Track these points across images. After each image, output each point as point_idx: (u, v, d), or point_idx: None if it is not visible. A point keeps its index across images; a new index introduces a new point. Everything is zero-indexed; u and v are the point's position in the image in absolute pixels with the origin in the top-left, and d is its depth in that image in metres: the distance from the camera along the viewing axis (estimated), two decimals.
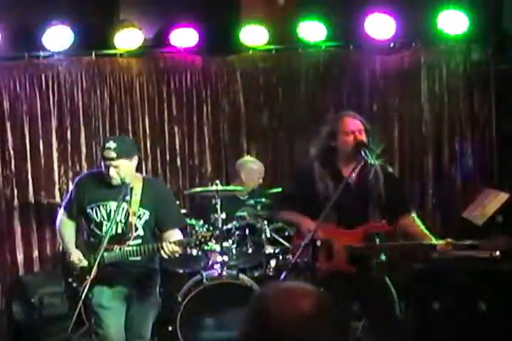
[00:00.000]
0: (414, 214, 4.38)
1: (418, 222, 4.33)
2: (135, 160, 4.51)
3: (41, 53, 6.57)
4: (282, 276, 4.07)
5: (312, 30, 6.77)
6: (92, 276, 4.17)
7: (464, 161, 7.11)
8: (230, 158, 7.00)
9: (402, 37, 6.94)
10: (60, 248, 4.89)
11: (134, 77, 6.83)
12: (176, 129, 6.94)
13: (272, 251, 5.78)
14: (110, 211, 4.47)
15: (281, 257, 5.75)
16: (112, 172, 4.39)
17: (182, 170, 6.97)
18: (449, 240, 4.13)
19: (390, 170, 4.42)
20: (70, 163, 6.71)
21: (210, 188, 5.80)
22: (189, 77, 6.94)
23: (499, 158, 7.13)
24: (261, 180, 6.41)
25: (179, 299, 5.44)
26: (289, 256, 5.58)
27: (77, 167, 6.70)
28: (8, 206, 6.61)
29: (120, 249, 4.42)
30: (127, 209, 4.46)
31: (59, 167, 6.69)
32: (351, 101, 7.02)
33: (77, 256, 4.49)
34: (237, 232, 5.71)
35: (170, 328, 5.38)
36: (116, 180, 4.42)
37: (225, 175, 6.94)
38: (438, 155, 7.17)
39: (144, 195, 4.50)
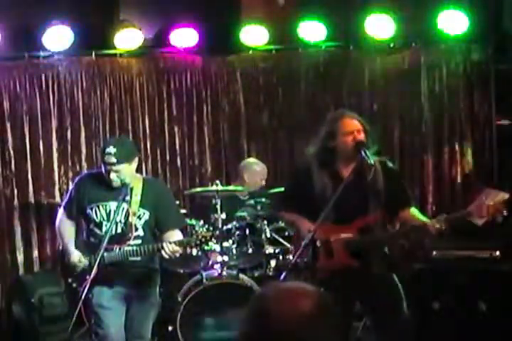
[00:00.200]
0: (414, 208, 4.38)
1: (418, 213, 4.34)
2: (135, 163, 4.52)
3: (41, 53, 6.57)
4: (282, 276, 4.06)
5: (312, 30, 6.77)
6: (92, 276, 4.17)
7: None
8: (230, 158, 7.01)
9: (402, 37, 6.94)
10: (60, 248, 4.89)
11: (134, 77, 6.83)
12: (175, 129, 6.94)
13: (272, 251, 5.78)
14: (110, 211, 4.47)
15: (281, 257, 5.75)
16: (113, 176, 4.40)
17: (182, 170, 6.97)
18: (440, 217, 4.11)
19: (390, 164, 4.41)
20: (70, 163, 6.71)
21: (210, 188, 5.80)
22: (189, 77, 6.94)
23: (499, 158, 7.13)
24: (264, 182, 6.41)
25: (179, 299, 5.44)
26: (289, 256, 5.60)
27: (77, 167, 6.70)
28: (8, 206, 6.62)
29: (120, 249, 4.42)
30: (127, 210, 4.46)
31: (59, 167, 6.70)
32: (351, 101, 7.02)
33: (77, 257, 4.49)
34: (237, 232, 5.71)
35: (170, 328, 5.38)
36: (116, 183, 4.43)
37: (225, 175, 6.94)
38: (438, 155, 7.17)
39: (143, 195, 4.50)
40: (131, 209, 4.45)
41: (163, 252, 4.35)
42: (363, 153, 4.13)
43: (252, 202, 6.09)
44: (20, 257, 6.61)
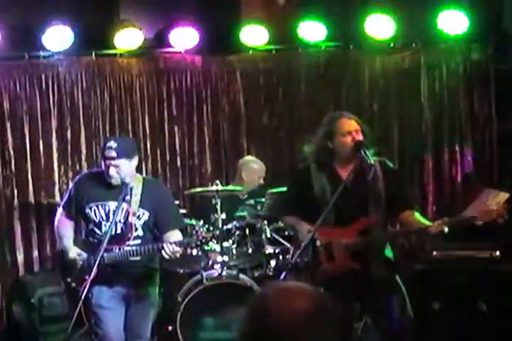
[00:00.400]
0: (415, 210, 4.37)
1: (418, 216, 4.33)
2: (135, 161, 4.51)
3: (41, 53, 6.57)
4: (282, 276, 4.06)
5: (312, 30, 6.77)
6: (92, 277, 4.16)
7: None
8: (230, 158, 7.00)
9: (402, 37, 6.94)
10: (59, 248, 4.89)
11: (134, 77, 6.83)
12: (176, 129, 6.94)
13: (272, 251, 5.78)
14: (109, 211, 4.47)
15: (281, 257, 5.76)
16: (112, 171, 4.39)
17: (182, 170, 6.97)
18: (442, 221, 4.10)
19: (391, 165, 4.40)
20: (70, 163, 6.71)
21: (210, 188, 5.80)
22: (189, 77, 6.94)
23: (499, 158, 7.13)
24: (262, 180, 6.42)
25: (179, 299, 5.44)
26: (289, 256, 5.60)
27: (77, 167, 6.70)
28: (8, 206, 6.62)
29: (120, 249, 4.42)
30: (127, 210, 4.46)
31: (59, 167, 6.70)
32: (351, 101, 7.01)
33: (75, 252, 4.48)
34: (237, 232, 5.71)
35: (170, 328, 5.38)
36: (115, 180, 4.42)
37: (225, 175, 6.93)
38: (438, 155, 7.17)
39: (143, 195, 4.50)
40: (131, 209, 4.45)
41: (163, 253, 4.35)
42: (362, 152, 4.13)
43: (251, 201, 6.09)
44: (20, 257, 6.61)
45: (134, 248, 4.41)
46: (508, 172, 6.97)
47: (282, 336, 1.68)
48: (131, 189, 4.46)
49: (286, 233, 5.84)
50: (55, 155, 6.68)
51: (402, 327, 4.27)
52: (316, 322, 1.69)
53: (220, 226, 5.59)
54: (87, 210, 4.51)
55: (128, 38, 6.54)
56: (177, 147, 6.95)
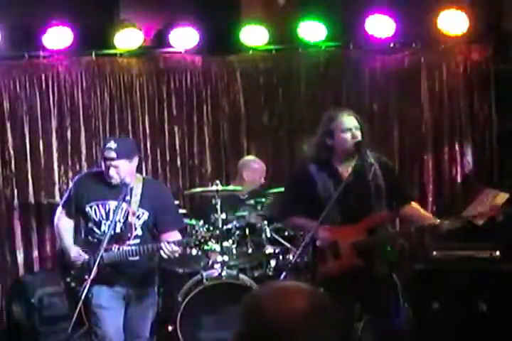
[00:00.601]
0: (414, 202, 4.39)
1: (418, 208, 4.35)
2: (135, 161, 4.52)
3: (41, 53, 6.57)
4: (282, 276, 4.06)
5: (312, 30, 6.77)
6: (91, 277, 4.16)
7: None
8: (230, 158, 7.00)
9: (402, 37, 6.94)
10: (59, 247, 4.89)
11: (134, 77, 6.83)
12: (176, 129, 6.93)
13: (272, 251, 5.78)
14: (109, 210, 4.47)
15: (281, 257, 5.75)
16: (112, 172, 4.40)
17: (182, 170, 6.97)
18: (453, 217, 4.13)
19: (386, 160, 4.41)
20: (70, 163, 6.71)
21: (210, 188, 5.80)
22: (189, 77, 6.94)
23: (499, 158, 7.13)
24: (263, 180, 6.42)
25: (179, 299, 5.44)
26: (289, 256, 5.60)
27: (77, 167, 6.70)
28: (8, 206, 6.62)
29: (119, 248, 4.42)
30: (127, 209, 4.46)
31: (59, 167, 6.70)
32: (351, 101, 7.01)
33: (76, 251, 4.48)
34: (237, 232, 5.71)
35: (170, 328, 5.38)
36: (115, 180, 4.42)
37: (225, 175, 6.93)
38: (438, 155, 7.17)
39: (143, 195, 4.51)
40: (131, 209, 4.46)
41: (162, 252, 4.35)
42: (362, 152, 4.14)
43: (251, 201, 6.09)
44: (20, 257, 6.61)
45: (133, 248, 4.42)
46: (508, 172, 6.97)
47: (280, 336, 1.67)
48: (131, 189, 4.47)
49: (286, 233, 5.84)
50: (55, 155, 6.68)
51: (402, 327, 4.27)
52: (314, 322, 1.69)
53: (220, 226, 5.59)
54: (87, 209, 4.51)
55: (128, 38, 6.54)
56: (177, 147, 6.94)
